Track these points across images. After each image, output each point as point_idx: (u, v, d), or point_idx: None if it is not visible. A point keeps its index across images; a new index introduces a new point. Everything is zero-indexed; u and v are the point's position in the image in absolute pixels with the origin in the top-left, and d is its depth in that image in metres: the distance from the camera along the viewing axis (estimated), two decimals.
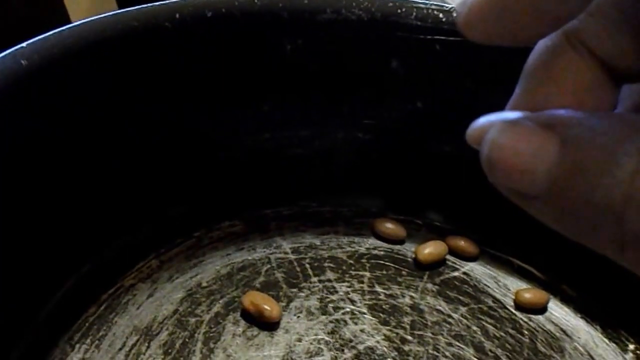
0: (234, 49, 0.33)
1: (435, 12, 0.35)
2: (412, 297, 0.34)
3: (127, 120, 0.32)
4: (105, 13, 0.29)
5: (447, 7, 0.35)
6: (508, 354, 0.31)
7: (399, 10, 0.35)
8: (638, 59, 0.13)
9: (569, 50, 0.13)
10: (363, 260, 0.36)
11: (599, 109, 0.13)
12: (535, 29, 0.12)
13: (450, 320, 0.33)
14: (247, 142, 0.37)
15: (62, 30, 0.28)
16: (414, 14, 0.35)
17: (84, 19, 0.29)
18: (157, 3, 0.30)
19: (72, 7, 0.45)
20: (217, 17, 0.31)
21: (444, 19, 0.35)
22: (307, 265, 0.35)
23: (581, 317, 0.34)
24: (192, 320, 0.31)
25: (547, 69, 0.14)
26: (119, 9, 0.30)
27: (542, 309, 0.34)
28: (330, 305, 0.33)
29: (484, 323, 0.33)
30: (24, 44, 0.26)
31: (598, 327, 0.34)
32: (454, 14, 0.35)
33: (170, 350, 0.30)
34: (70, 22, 0.28)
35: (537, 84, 0.14)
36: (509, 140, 0.11)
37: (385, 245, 0.38)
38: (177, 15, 0.30)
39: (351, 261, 0.36)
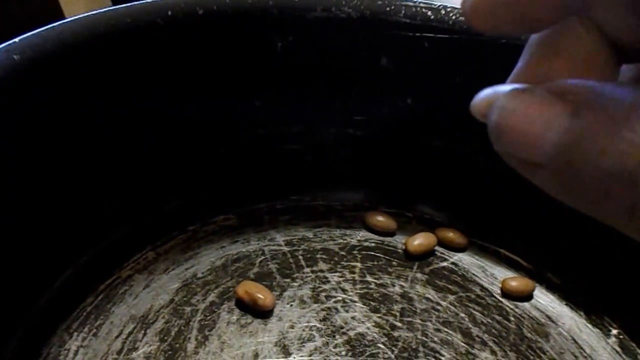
0: (226, 46, 0.34)
1: (424, 9, 0.36)
2: (402, 286, 0.35)
3: (120, 115, 0.33)
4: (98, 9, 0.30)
5: (435, 5, 0.36)
6: (495, 339, 0.32)
7: (387, 9, 0.36)
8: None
9: (577, 24, 0.13)
10: (355, 252, 0.37)
11: None
12: (545, 16, 0.12)
13: (438, 307, 0.34)
14: (240, 137, 0.38)
15: (55, 26, 0.28)
16: (403, 11, 0.36)
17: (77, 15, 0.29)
18: (149, 0, 0.31)
19: (67, 4, 0.46)
20: (208, 14, 0.32)
21: (432, 17, 0.36)
22: (300, 257, 0.36)
23: (566, 304, 0.35)
24: (188, 309, 0.32)
25: (553, 42, 0.13)
26: (113, 6, 0.30)
27: (528, 297, 0.35)
28: (323, 294, 0.34)
29: (471, 310, 0.34)
30: (16, 39, 0.27)
31: (582, 313, 0.35)
32: (442, 12, 0.36)
33: (166, 338, 0.31)
34: (64, 19, 0.29)
35: (542, 56, 0.13)
36: (520, 107, 0.11)
37: (376, 237, 0.39)
38: (169, 13, 0.31)
39: (343, 252, 0.37)
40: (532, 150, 0.11)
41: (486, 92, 0.13)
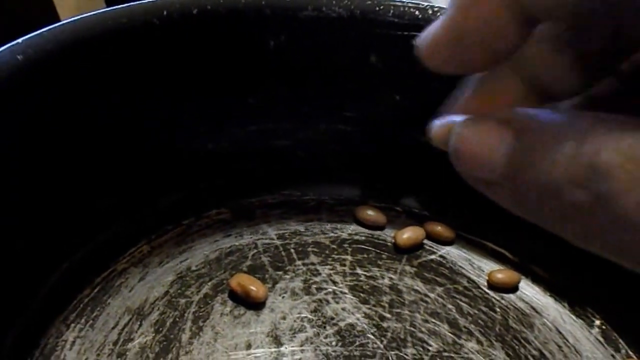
0: (220, 45, 0.35)
1: (412, 9, 0.37)
2: (391, 278, 0.36)
3: (118, 112, 0.33)
4: (94, 11, 0.31)
5: (422, 4, 0.37)
6: (481, 329, 0.33)
7: (377, 8, 0.37)
8: (567, 82, 0.15)
9: (505, 67, 0.15)
10: (345, 245, 0.38)
11: None
12: (483, 61, 0.14)
13: (426, 299, 0.35)
14: (233, 134, 0.39)
15: (55, 27, 0.29)
16: (392, 11, 0.37)
17: (72, 17, 0.30)
18: (145, 1, 0.32)
19: (61, 6, 0.47)
20: (202, 14, 0.33)
21: (420, 16, 0.37)
22: (292, 250, 0.37)
23: (550, 296, 0.36)
24: (182, 301, 0.33)
25: (484, 82, 0.16)
26: (107, 7, 0.31)
27: (513, 289, 0.36)
28: (314, 286, 0.35)
29: (458, 302, 0.35)
30: (19, 40, 0.28)
31: (566, 305, 0.36)
32: (429, 11, 0.37)
33: (161, 329, 0.31)
34: (59, 20, 0.30)
35: (475, 94, 0.16)
36: (471, 134, 0.13)
37: (366, 231, 0.40)
38: (165, 13, 0.32)
39: (334, 246, 0.38)
40: (484, 170, 0.13)
41: (441, 122, 0.15)
